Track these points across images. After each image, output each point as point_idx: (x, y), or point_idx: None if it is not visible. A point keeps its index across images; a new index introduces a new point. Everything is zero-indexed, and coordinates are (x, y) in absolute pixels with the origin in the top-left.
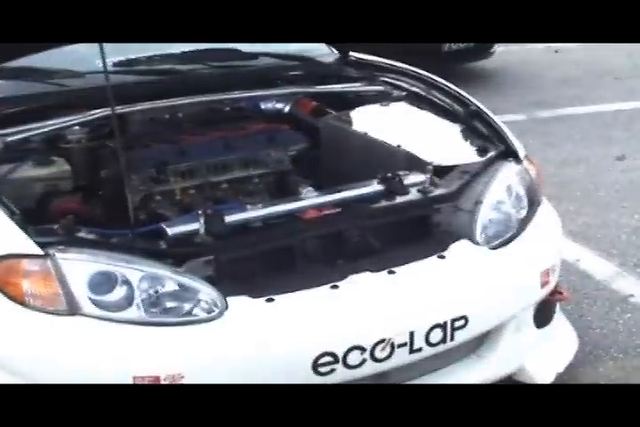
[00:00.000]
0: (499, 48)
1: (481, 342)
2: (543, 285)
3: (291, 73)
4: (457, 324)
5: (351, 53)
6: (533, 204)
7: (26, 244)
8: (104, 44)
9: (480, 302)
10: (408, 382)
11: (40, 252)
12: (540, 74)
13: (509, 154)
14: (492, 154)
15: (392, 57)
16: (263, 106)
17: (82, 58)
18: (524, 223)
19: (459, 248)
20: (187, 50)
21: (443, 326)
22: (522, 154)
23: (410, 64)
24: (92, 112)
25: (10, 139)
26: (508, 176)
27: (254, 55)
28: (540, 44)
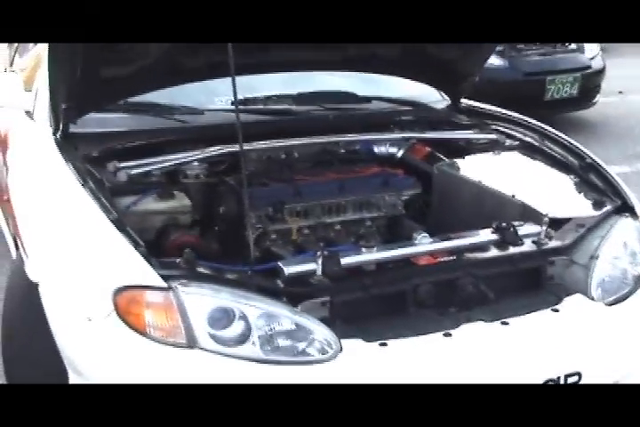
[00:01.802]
0: (600, 99)
1: None
2: None
3: (403, 118)
4: (570, 380)
5: (462, 100)
6: None
7: (150, 275)
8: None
9: (594, 359)
10: None
11: (163, 284)
12: None
13: (626, 209)
14: (608, 208)
15: (492, 104)
16: (376, 149)
17: (201, 95)
18: (639, 280)
19: (573, 302)
20: (302, 91)
21: (556, 382)
22: (638, 209)
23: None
24: (212, 149)
25: (133, 171)
26: (624, 231)
27: (368, 99)
28: None
